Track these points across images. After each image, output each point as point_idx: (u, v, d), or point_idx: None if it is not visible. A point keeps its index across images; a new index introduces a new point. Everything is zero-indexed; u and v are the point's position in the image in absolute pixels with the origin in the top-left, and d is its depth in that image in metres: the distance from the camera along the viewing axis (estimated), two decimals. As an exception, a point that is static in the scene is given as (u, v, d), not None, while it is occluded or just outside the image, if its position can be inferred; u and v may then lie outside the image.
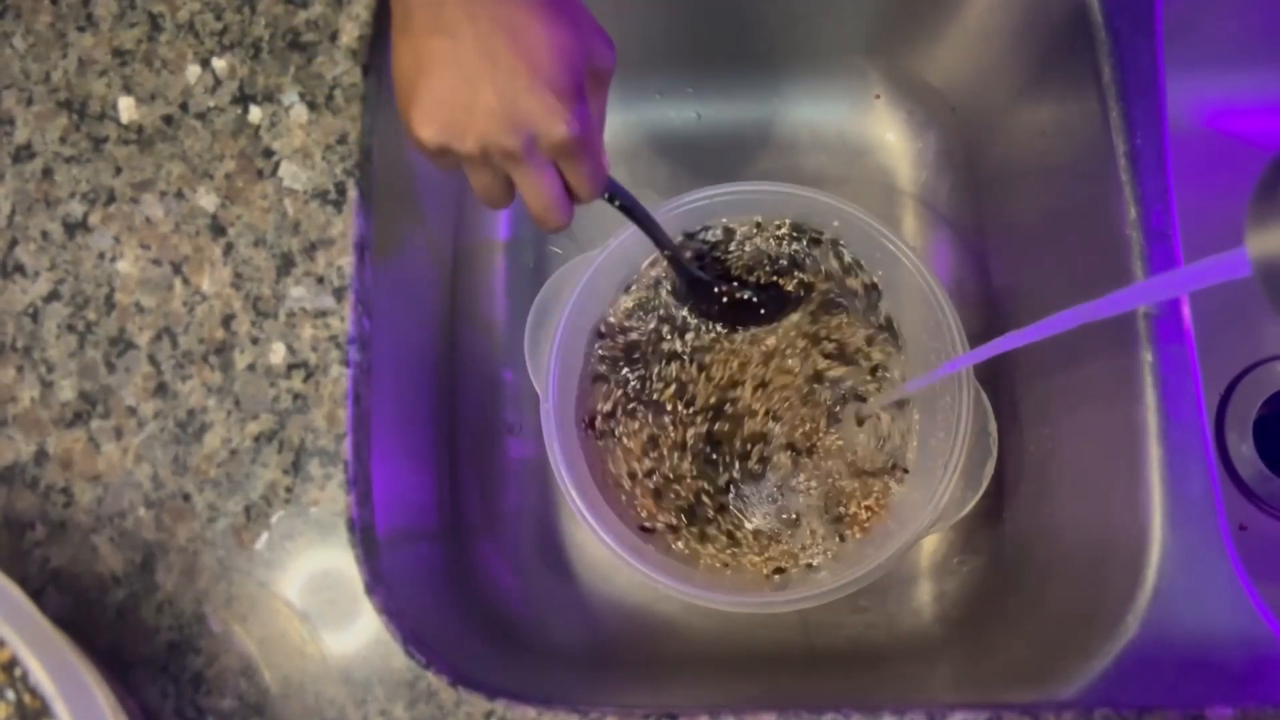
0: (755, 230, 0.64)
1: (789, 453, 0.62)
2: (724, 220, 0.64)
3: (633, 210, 0.54)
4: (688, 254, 0.62)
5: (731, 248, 0.65)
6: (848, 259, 0.64)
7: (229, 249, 0.50)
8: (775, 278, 0.64)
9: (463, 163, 0.44)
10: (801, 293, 0.64)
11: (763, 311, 0.63)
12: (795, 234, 0.64)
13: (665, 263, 0.61)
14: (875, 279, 0.63)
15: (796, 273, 0.64)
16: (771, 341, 0.64)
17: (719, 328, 0.64)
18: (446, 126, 0.41)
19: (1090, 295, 0.42)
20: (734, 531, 0.62)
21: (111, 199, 0.50)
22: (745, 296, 0.63)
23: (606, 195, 0.51)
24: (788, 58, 0.71)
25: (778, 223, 0.64)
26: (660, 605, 0.64)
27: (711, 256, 0.64)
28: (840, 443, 0.62)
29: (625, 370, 0.63)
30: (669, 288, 0.64)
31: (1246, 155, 0.70)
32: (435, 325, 0.65)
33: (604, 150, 0.47)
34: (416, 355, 0.61)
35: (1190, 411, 0.50)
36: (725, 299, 0.63)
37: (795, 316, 0.64)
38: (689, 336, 0.64)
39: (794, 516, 0.62)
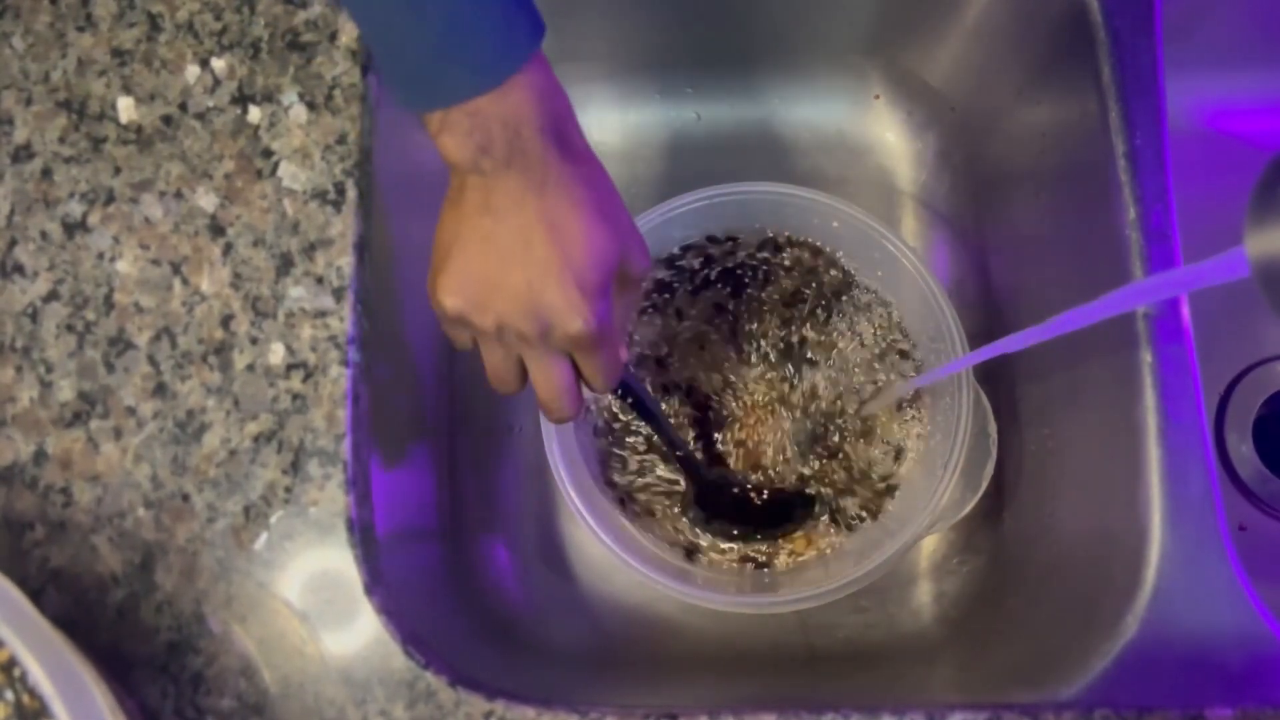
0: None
1: (788, 453, 0.62)
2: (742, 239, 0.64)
3: (645, 408, 0.55)
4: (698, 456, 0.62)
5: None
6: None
7: (228, 249, 0.50)
8: (796, 478, 0.63)
9: (479, 338, 0.45)
10: (821, 498, 0.62)
11: (781, 517, 0.62)
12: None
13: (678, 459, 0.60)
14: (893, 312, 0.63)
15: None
16: (776, 340, 0.64)
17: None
18: (469, 300, 0.42)
19: (1090, 295, 0.42)
20: (733, 531, 0.62)
21: (111, 199, 0.50)
22: (762, 500, 0.62)
23: (619, 393, 0.52)
24: (788, 58, 0.71)
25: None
26: (660, 605, 0.64)
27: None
28: (840, 443, 0.62)
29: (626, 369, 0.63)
30: (682, 289, 0.63)
31: (1246, 155, 0.70)
32: (435, 325, 0.64)
33: (625, 348, 0.48)
34: (416, 355, 0.61)
35: (1190, 412, 0.50)
36: (741, 501, 0.62)
37: (802, 323, 0.64)
38: (689, 337, 0.64)
39: (794, 516, 0.62)
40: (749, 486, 0.63)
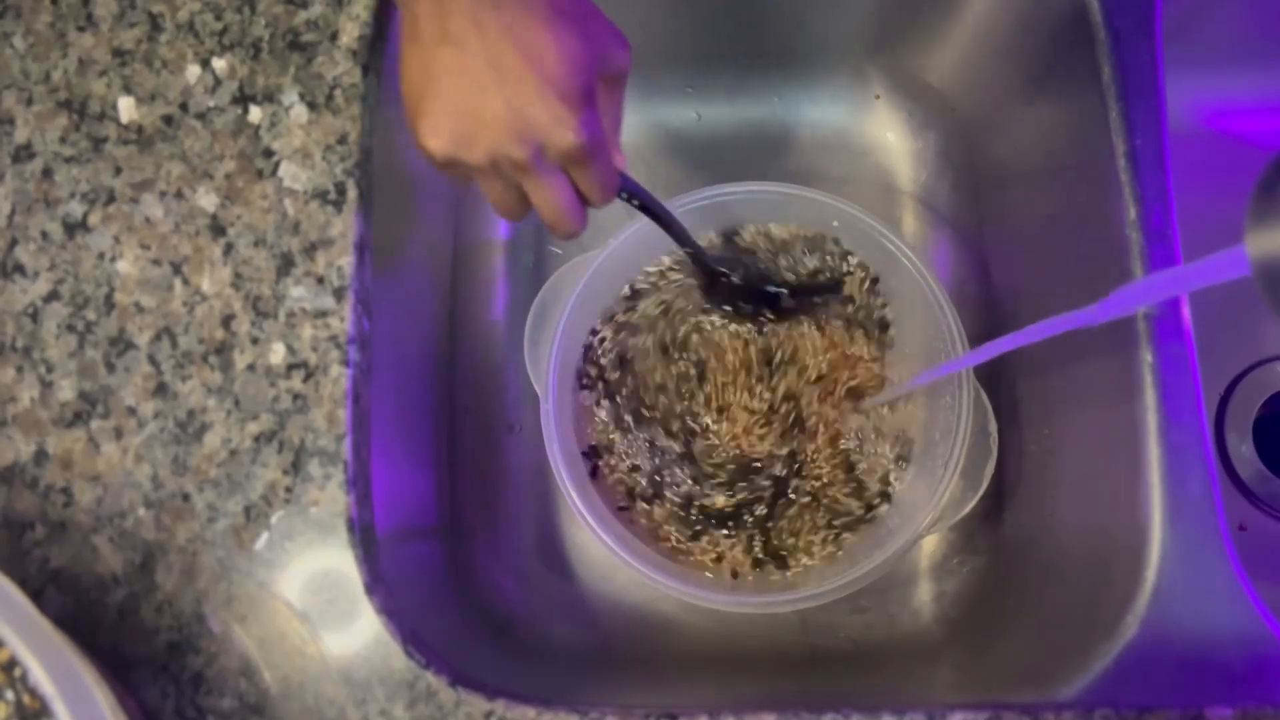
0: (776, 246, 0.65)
1: (788, 452, 0.62)
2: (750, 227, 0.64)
3: (651, 208, 0.54)
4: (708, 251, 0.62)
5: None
6: (855, 266, 0.64)
7: (229, 249, 0.50)
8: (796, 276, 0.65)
9: (474, 174, 0.43)
10: (823, 289, 0.64)
11: (782, 304, 0.63)
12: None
13: (685, 260, 0.61)
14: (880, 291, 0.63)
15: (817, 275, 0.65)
16: (773, 344, 0.64)
17: (731, 324, 0.64)
18: (455, 138, 0.41)
19: (1090, 295, 0.42)
20: (733, 531, 0.62)
21: (111, 199, 0.50)
22: (769, 289, 0.63)
23: (624, 195, 0.51)
24: (788, 58, 0.71)
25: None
26: (660, 605, 0.64)
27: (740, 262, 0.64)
28: (840, 443, 0.62)
29: (625, 371, 0.63)
30: (685, 283, 0.64)
31: (1246, 155, 0.70)
32: (435, 325, 0.65)
33: (619, 151, 0.47)
34: (416, 355, 0.61)
35: (1190, 411, 0.50)
36: (747, 292, 0.63)
37: (804, 326, 0.64)
38: (689, 338, 0.64)
39: (793, 515, 0.62)
40: (756, 277, 0.63)
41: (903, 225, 0.70)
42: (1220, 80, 0.70)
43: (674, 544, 0.61)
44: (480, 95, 0.40)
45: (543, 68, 0.39)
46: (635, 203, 0.52)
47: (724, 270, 0.62)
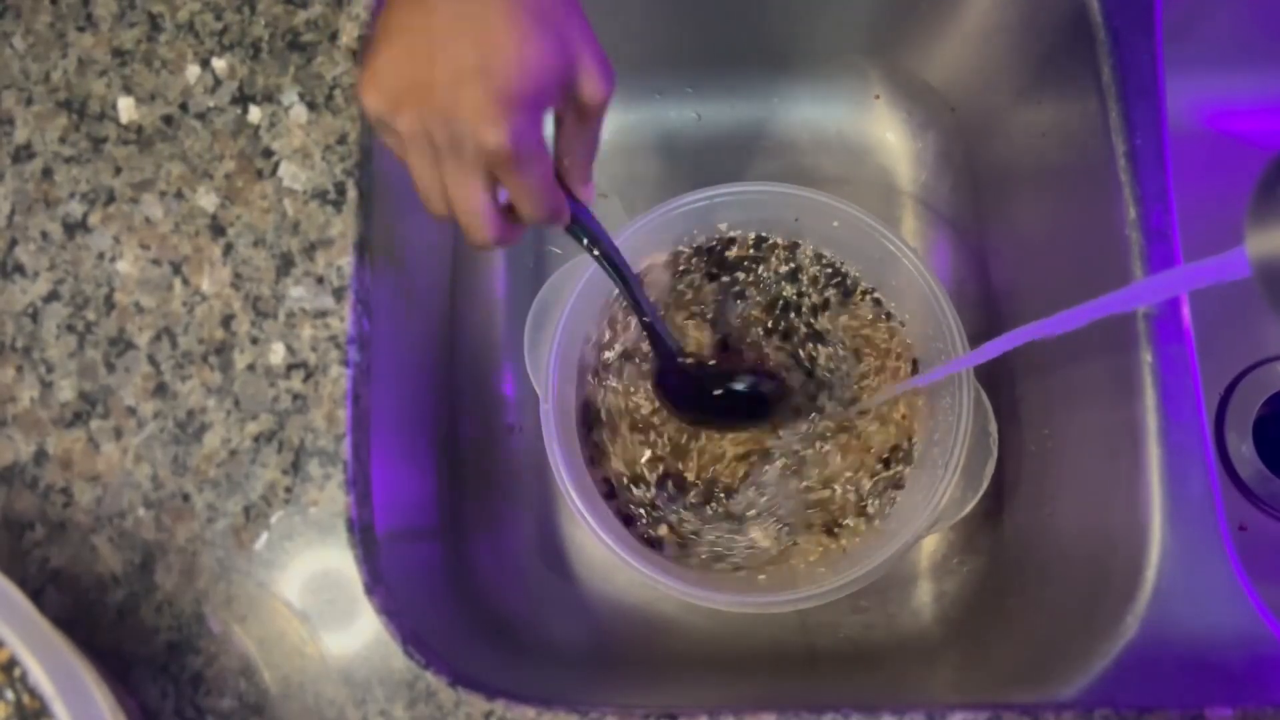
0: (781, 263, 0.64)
1: (789, 451, 0.62)
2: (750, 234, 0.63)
3: (611, 259, 0.50)
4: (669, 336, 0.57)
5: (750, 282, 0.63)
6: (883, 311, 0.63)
7: (228, 249, 0.50)
8: (773, 352, 0.61)
9: (406, 144, 0.41)
10: (800, 387, 0.61)
11: (750, 408, 0.59)
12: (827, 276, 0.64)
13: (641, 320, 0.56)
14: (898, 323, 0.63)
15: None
16: (775, 341, 0.64)
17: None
18: (388, 98, 0.40)
19: (1090, 295, 0.42)
20: (732, 530, 0.62)
21: (111, 199, 0.50)
22: (737, 389, 0.59)
23: (580, 236, 0.48)
24: (788, 58, 0.71)
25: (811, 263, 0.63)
26: (660, 605, 0.64)
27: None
28: (841, 443, 0.62)
29: (625, 370, 0.63)
30: (641, 354, 0.61)
31: (1246, 155, 0.70)
32: (435, 325, 0.65)
33: (585, 184, 0.45)
34: (416, 355, 0.61)
35: (1190, 411, 0.50)
36: (709, 391, 0.59)
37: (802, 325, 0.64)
38: (691, 336, 0.64)
39: (793, 515, 0.62)
40: (719, 373, 0.59)
41: (903, 225, 0.70)
42: (1220, 80, 0.70)
43: (671, 542, 0.61)
44: (426, 64, 0.39)
45: (490, 61, 0.38)
46: (595, 252, 0.50)
47: (684, 360, 0.58)
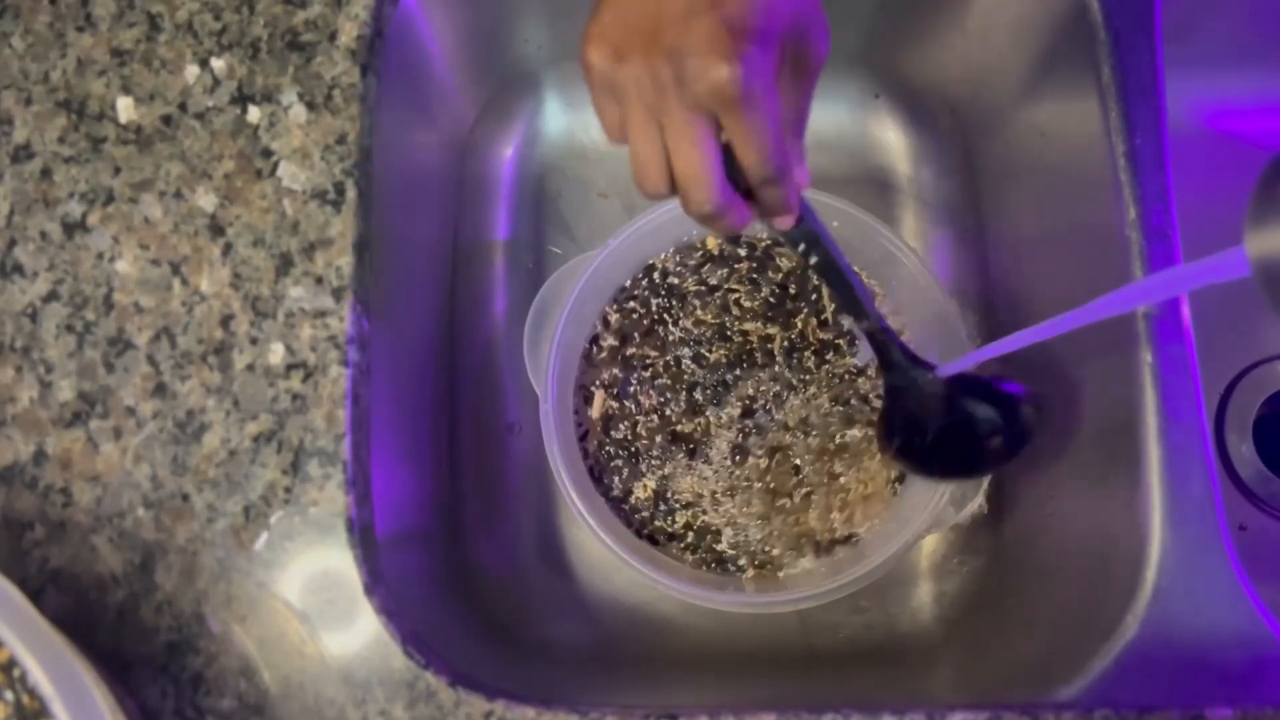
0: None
1: (789, 452, 0.62)
2: None
3: (833, 261, 0.44)
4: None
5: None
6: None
7: (228, 249, 0.50)
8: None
9: (624, 106, 0.38)
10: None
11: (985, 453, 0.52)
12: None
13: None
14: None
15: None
16: (774, 343, 0.64)
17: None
18: (612, 46, 0.37)
19: (1090, 295, 0.42)
20: (731, 530, 0.62)
21: (110, 199, 0.50)
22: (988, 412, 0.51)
23: (794, 236, 0.42)
24: (787, 57, 0.70)
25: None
26: (660, 605, 0.64)
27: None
28: (842, 443, 0.62)
29: (625, 370, 0.63)
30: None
31: (1246, 155, 0.70)
32: (435, 325, 0.65)
33: (802, 166, 0.41)
34: (416, 355, 0.61)
35: (1190, 411, 0.50)
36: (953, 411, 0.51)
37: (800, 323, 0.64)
38: (690, 337, 0.64)
39: (793, 515, 0.62)
40: (969, 386, 0.51)
41: (903, 225, 0.70)
42: (1220, 80, 0.70)
43: (671, 542, 0.61)
44: (652, 4, 0.37)
45: None
46: (813, 259, 0.43)
47: (922, 374, 0.51)
